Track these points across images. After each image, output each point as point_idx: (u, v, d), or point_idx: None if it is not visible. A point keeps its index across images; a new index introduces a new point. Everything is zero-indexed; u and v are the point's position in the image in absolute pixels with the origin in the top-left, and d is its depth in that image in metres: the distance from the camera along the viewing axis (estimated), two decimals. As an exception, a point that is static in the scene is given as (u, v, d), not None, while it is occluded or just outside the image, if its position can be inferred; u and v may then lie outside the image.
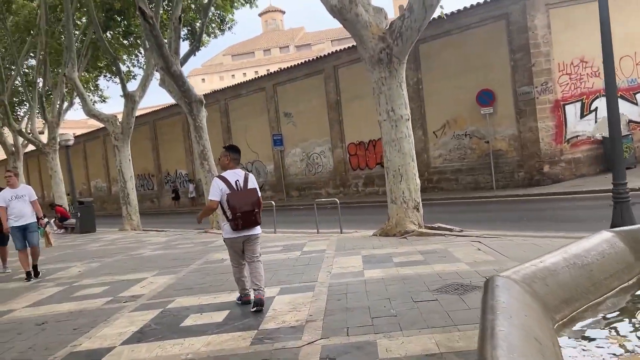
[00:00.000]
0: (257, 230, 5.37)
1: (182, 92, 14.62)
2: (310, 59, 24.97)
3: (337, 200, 12.97)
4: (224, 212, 5.25)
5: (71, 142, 19.47)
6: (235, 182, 5.24)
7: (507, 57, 16.92)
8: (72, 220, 19.56)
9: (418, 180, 9.97)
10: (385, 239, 9.28)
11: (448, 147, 18.93)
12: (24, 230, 8.68)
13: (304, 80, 24.09)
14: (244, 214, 5.14)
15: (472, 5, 17.44)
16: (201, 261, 8.85)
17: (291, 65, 25.74)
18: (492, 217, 12.61)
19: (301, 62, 24.94)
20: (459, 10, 17.59)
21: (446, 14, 15.26)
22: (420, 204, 9.90)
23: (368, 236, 10.00)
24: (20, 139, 26.00)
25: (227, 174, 5.31)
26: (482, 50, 17.31)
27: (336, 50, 22.98)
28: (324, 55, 23.58)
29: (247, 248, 5.34)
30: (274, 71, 25.80)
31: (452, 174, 18.87)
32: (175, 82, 14.45)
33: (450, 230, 9.44)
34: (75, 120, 69.17)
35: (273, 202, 13.28)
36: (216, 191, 5.21)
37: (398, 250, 7.88)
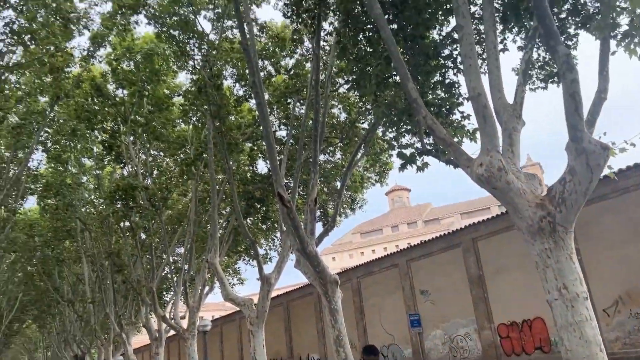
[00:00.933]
0: None
1: (317, 272, 14.17)
2: (445, 232, 23.96)
3: None
4: None
5: (208, 328, 19.54)
6: None
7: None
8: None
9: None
10: None
11: (626, 329, 15.76)
12: None
13: (440, 255, 22.79)
14: None
15: (628, 167, 15.80)
16: None
17: (425, 240, 24.82)
18: None
19: (436, 237, 23.95)
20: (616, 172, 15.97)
21: (605, 175, 13.83)
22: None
23: None
24: (164, 325, 27.03)
25: None
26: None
27: (473, 223, 21.82)
28: (460, 228, 22.47)
29: None
30: (408, 246, 24.98)
31: (637, 361, 15.38)
32: (310, 262, 14.13)
33: None
34: (213, 303, 72.41)
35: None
36: None
37: None
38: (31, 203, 35.35)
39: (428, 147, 10.37)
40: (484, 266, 20.67)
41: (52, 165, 27.92)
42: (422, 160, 10.50)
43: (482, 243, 20.82)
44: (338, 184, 18.52)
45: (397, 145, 11.62)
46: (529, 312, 18.66)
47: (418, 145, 10.89)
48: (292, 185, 17.65)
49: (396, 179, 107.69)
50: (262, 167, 26.79)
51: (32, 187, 29.77)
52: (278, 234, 24.59)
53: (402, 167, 10.52)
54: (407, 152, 10.81)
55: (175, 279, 26.28)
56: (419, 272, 23.95)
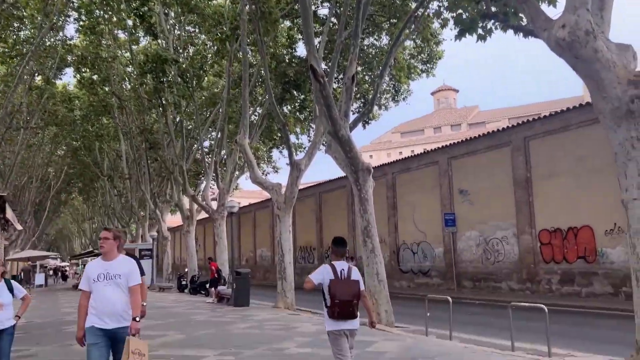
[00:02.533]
0: (356, 324, 5.39)
1: (349, 158, 12.95)
2: (495, 129, 22.08)
3: (449, 298, 10.03)
4: (324, 300, 5.35)
5: (235, 209, 18.98)
6: (341, 270, 5.38)
7: None
8: (228, 291, 18.68)
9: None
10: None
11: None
12: (110, 337, 4.77)
13: (486, 154, 21.16)
14: (342, 302, 5.21)
15: None
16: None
17: (471, 137, 23.07)
18: None
19: (483, 134, 22.15)
20: None
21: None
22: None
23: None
24: (195, 206, 27.09)
25: (336, 264, 5.46)
26: None
27: (527, 120, 19.82)
28: (512, 125, 20.53)
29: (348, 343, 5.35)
30: (450, 143, 23.33)
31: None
32: (342, 147, 12.86)
33: None
34: (250, 191, 73.79)
35: (449, 298, 10.41)
36: (318, 275, 5.38)
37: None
38: (69, 77, 35.00)
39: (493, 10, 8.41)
40: (533, 168, 19.01)
41: (87, 37, 26.81)
42: (485, 25, 8.60)
43: (535, 143, 18.99)
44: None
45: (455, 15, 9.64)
46: (576, 220, 17.25)
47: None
48: (330, 66, 15.94)
49: (444, 78, 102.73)
50: (301, 49, 24.91)
51: (68, 58, 28.97)
52: (314, 125, 23.33)
53: (460, 35, 8.67)
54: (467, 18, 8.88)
55: (207, 161, 25.77)
56: (459, 171, 22.52)
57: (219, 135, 23.93)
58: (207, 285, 22.02)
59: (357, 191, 13.12)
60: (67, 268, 58.97)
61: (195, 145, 27.72)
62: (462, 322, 12.59)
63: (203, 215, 37.37)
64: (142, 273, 5.46)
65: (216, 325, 12.34)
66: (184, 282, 27.42)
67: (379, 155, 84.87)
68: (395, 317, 12.45)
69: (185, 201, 28.28)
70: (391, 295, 12.92)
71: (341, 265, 5.43)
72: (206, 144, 29.69)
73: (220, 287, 19.82)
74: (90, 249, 43.74)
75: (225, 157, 26.23)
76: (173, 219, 53.54)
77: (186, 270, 29.30)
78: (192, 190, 25.29)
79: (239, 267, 27.75)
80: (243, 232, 44.89)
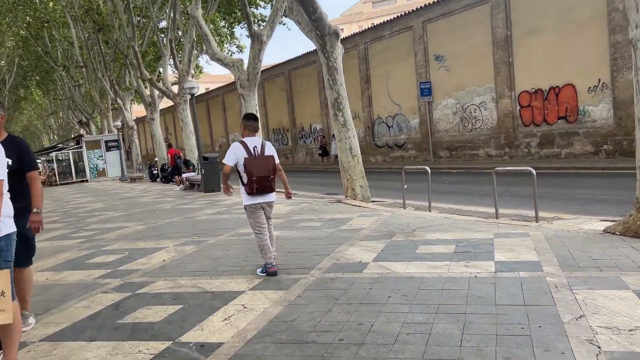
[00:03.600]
0: (272, 197, 5.49)
1: (313, 21, 11.41)
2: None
3: (427, 168, 9.32)
4: (240, 177, 5.36)
5: (196, 91, 17.49)
6: (254, 148, 5.31)
7: None
8: (198, 177, 17.88)
9: None
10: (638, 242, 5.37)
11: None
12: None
13: (463, 14, 19.53)
14: (259, 179, 5.24)
15: None
16: (327, 262, 5.69)
17: (446, -4, 21.20)
18: None
19: (460, -9, 20.30)
20: None
21: None
22: None
23: (597, 233, 6.08)
24: (157, 91, 25.31)
25: (247, 140, 5.38)
26: None
27: (508, -28, 18.00)
28: (492, -21, 18.72)
29: (265, 214, 5.48)
30: (425, 4, 21.47)
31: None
32: (305, 7, 11.27)
33: None
34: (219, 75, 70.64)
35: (427, 168, 9.69)
36: (231, 156, 5.33)
37: None
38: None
39: None
40: (513, 26, 17.63)
41: None
42: None
43: (516, -3, 17.44)
44: None
45: None
46: (558, 79, 16.34)
47: None
48: None
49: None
50: None
51: None
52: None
53: None
54: None
55: (162, 41, 23.55)
56: (435, 35, 20.99)
57: (172, 11, 21.54)
58: (169, 175, 21.20)
59: (324, 60, 11.78)
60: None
61: (151, 24, 25.23)
62: (441, 192, 12.11)
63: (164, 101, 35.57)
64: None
65: (182, 212, 11.60)
66: (154, 172, 26.58)
67: (350, 28, 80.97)
68: (372, 192, 11.85)
69: (146, 88, 26.38)
70: (367, 171, 12.22)
71: (254, 141, 5.39)
72: (164, 24, 27.09)
73: (188, 174, 18.99)
74: (54, 144, 42.12)
75: (180, 35, 23.95)
76: (141, 109, 51.41)
77: (155, 159, 28.30)
78: (148, 74, 23.35)
79: (208, 152, 26.78)
80: (213, 117, 43.38)
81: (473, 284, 4.44)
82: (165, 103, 36.70)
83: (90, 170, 33.05)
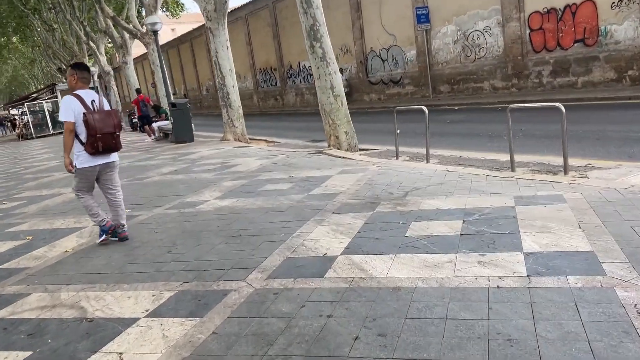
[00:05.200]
0: (115, 157, 4.91)
1: None
2: None
3: (424, 108, 7.37)
4: (77, 136, 4.63)
5: (159, 27, 15.29)
6: (91, 102, 4.67)
7: None
8: (169, 126, 15.98)
9: None
10: None
11: None
12: None
13: None
14: (104, 135, 4.62)
15: None
16: (278, 255, 3.96)
17: None
18: None
19: None
20: None
21: None
22: None
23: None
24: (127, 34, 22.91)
25: (81, 93, 4.66)
26: None
27: None
28: None
29: (106, 178, 4.87)
30: None
31: None
32: None
33: None
34: (195, 14, 66.73)
35: (424, 108, 7.75)
36: (68, 111, 4.55)
37: None
38: None
39: None
40: None
41: None
42: None
43: None
44: None
45: None
46: (577, -5, 14.05)
47: None
48: None
49: None
50: None
51: None
52: None
53: None
54: None
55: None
56: (432, -49, 18.37)
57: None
58: (138, 124, 19.33)
59: (296, -22, 9.63)
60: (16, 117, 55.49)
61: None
62: (442, 134, 10.24)
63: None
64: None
65: (134, 172, 9.82)
66: (134, 120, 24.60)
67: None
68: (362, 137, 10.04)
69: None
70: (360, 112, 10.43)
71: (89, 94, 4.72)
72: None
73: (160, 122, 17.08)
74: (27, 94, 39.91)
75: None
76: (141, 50, 48.39)
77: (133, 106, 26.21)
78: (111, 11, 20.85)
79: (195, 97, 24.62)
80: (198, 59, 40.67)
81: (496, 304, 2.72)
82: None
83: (68, 121, 31.02)
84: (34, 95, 35.81)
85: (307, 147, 11.23)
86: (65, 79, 4.31)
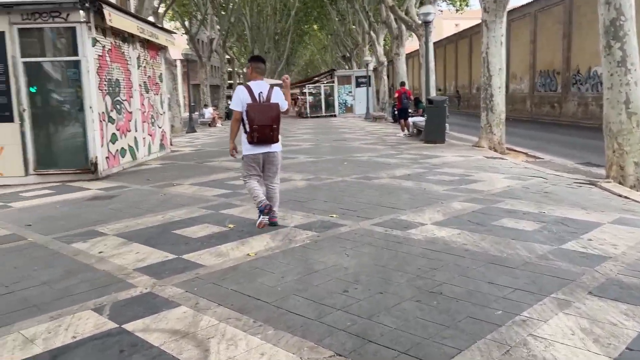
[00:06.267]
0: (276, 147, 5.08)
1: None
2: None
3: None
4: (243, 124, 4.94)
5: (431, 17, 14.45)
6: (259, 93, 4.90)
7: None
8: (423, 123, 15.11)
9: None
10: None
11: None
12: None
13: None
14: (261, 127, 4.83)
15: None
16: (515, 323, 2.60)
17: None
18: None
19: None
20: None
21: None
22: None
23: None
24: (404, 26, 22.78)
25: (252, 84, 4.95)
26: None
27: None
28: None
29: (267, 167, 5.10)
30: None
31: None
32: None
33: None
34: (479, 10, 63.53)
35: None
36: (236, 100, 4.90)
37: None
38: None
39: None
40: None
41: None
42: None
43: None
44: None
45: None
46: None
47: None
48: None
49: None
50: None
51: None
52: None
53: None
54: None
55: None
56: None
57: None
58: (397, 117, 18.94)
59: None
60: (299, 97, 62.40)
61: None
62: None
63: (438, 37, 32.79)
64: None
65: (367, 169, 9.19)
66: (395, 112, 24.65)
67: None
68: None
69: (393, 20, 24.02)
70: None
71: (260, 86, 4.91)
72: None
73: (416, 118, 16.34)
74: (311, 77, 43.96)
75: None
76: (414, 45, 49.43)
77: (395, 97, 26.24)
78: (391, 1, 20.75)
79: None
80: (460, 61, 38.85)
81: None
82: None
83: (339, 106, 33.10)
84: (316, 78, 39.26)
85: (577, 171, 8.99)
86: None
